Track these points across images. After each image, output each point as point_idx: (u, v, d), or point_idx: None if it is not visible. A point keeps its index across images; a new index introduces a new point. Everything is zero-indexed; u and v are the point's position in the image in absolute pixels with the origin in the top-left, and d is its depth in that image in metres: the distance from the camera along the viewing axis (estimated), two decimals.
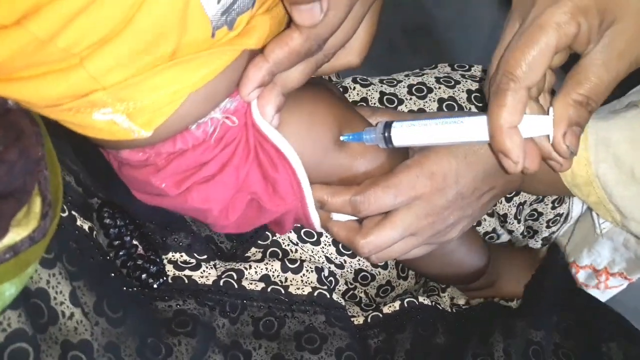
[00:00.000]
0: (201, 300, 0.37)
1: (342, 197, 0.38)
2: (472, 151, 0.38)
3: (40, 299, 0.28)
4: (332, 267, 0.46)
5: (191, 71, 0.28)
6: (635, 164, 0.37)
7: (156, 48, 0.26)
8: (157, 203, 0.36)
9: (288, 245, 0.45)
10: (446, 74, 0.53)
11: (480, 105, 0.50)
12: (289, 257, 0.44)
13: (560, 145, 0.31)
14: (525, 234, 0.55)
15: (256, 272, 0.41)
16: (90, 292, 0.30)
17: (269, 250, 0.44)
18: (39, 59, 0.23)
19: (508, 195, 0.51)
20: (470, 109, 0.50)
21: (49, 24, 0.22)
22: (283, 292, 0.40)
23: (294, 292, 0.41)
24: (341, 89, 0.52)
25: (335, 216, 0.40)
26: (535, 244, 0.56)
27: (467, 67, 0.55)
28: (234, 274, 0.40)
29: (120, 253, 0.36)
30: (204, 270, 0.39)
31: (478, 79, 0.53)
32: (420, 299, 0.45)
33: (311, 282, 0.42)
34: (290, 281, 0.42)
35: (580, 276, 0.56)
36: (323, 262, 0.45)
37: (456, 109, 0.50)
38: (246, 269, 0.41)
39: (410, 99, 0.50)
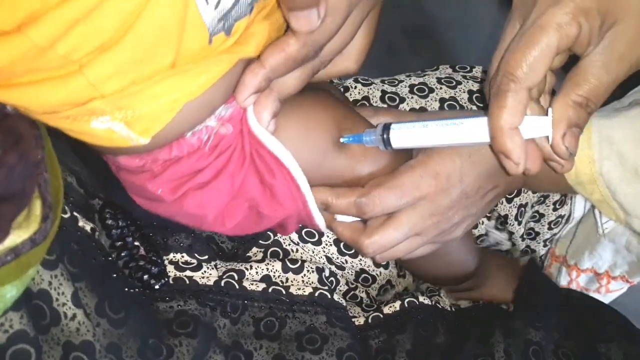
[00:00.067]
0: (202, 300, 0.37)
1: (347, 199, 0.38)
2: (476, 150, 0.38)
3: (42, 301, 0.28)
4: (333, 268, 0.46)
5: (190, 79, 0.28)
6: (639, 162, 0.37)
7: (156, 56, 0.26)
8: (154, 209, 0.36)
9: (289, 245, 0.45)
10: (447, 75, 0.53)
11: (482, 105, 0.50)
12: (290, 258, 0.44)
13: (560, 147, 0.31)
14: (525, 236, 0.55)
15: (257, 272, 0.41)
16: (92, 294, 0.31)
17: (270, 250, 0.44)
18: (38, 65, 0.23)
19: (509, 196, 0.51)
20: (471, 109, 0.50)
21: (49, 31, 0.22)
22: (284, 292, 0.40)
23: (295, 293, 0.41)
24: (342, 89, 0.52)
25: (340, 217, 0.40)
26: (537, 245, 0.56)
27: (469, 68, 0.55)
28: (234, 275, 0.40)
29: (123, 254, 0.36)
30: (205, 271, 0.40)
31: (479, 79, 0.53)
32: (421, 298, 0.45)
33: (312, 282, 0.42)
34: (291, 281, 0.42)
35: (581, 280, 0.56)
36: (324, 263, 0.45)
37: (457, 109, 0.50)
38: (247, 269, 0.41)
39: (412, 97, 0.50)
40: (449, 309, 0.46)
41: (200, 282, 0.39)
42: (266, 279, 0.41)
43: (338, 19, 0.30)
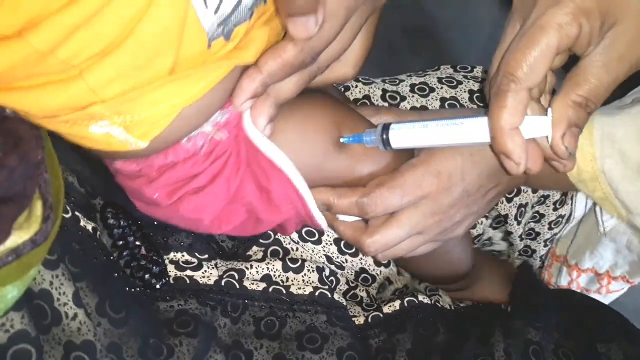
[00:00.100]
0: (202, 300, 0.37)
1: (348, 199, 0.38)
2: (477, 148, 0.38)
3: (44, 300, 0.28)
4: (333, 267, 0.46)
5: (189, 85, 0.28)
6: None
7: (155, 61, 0.26)
8: (152, 212, 0.36)
9: (289, 243, 0.45)
10: (448, 75, 0.53)
11: (482, 105, 0.50)
12: (290, 257, 0.44)
13: (559, 146, 0.31)
14: (525, 236, 0.55)
15: (257, 271, 0.41)
16: (93, 293, 0.31)
17: (270, 249, 0.45)
18: (39, 69, 0.23)
19: (508, 196, 0.51)
20: (472, 108, 0.50)
21: (49, 36, 0.22)
22: (284, 291, 0.41)
23: (295, 292, 0.41)
24: (342, 88, 0.52)
25: (342, 216, 0.40)
26: (537, 245, 0.56)
27: (470, 68, 0.55)
28: (235, 274, 0.40)
29: (124, 253, 0.36)
30: (205, 270, 0.40)
31: (480, 79, 0.53)
32: (420, 297, 0.45)
33: (312, 281, 0.42)
34: (292, 281, 0.42)
35: (582, 280, 0.56)
36: (324, 262, 0.46)
37: (458, 108, 0.50)
38: (247, 268, 0.41)
39: (413, 96, 0.50)
40: (448, 307, 0.46)
41: (200, 282, 0.39)
42: (266, 278, 0.41)
43: (336, 26, 0.30)
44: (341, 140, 0.37)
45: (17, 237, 0.25)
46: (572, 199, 0.52)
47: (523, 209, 0.52)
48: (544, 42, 0.30)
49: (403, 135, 0.36)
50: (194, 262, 0.40)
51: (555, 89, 0.36)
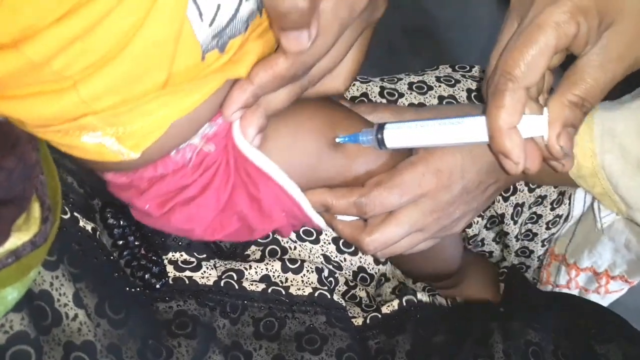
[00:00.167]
0: (202, 300, 0.38)
1: (347, 199, 0.38)
2: (477, 145, 0.38)
3: (44, 301, 0.28)
4: (331, 267, 0.46)
5: (182, 97, 0.28)
6: None
7: (149, 74, 0.26)
8: (145, 221, 0.36)
9: (287, 242, 0.45)
10: (447, 74, 0.53)
11: (480, 104, 0.50)
12: (289, 257, 0.44)
13: (554, 146, 0.31)
14: (522, 237, 0.55)
15: (256, 272, 0.41)
16: (92, 294, 0.31)
17: (269, 248, 0.45)
18: (33, 79, 0.23)
19: (505, 194, 0.51)
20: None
21: (45, 49, 0.22)
22: (283, 292, 0.41)
23: (294, 293, 0.41)
24: None
25: (340, 216, 0.40)
26: (535, 246, 0.56)
27: (468, 67, 0.55)
28: (234, 275, 0.40)
29: (125, 253, 0.36)
30: (204, 271, 0.40)
31: (478, 79, 0.53)
32: (419, 295, 0.45)
33: (312, 282, 0.42)
34: (291, 282, 0.42)
35: (580, 279, 0.56)
36: (322, 262, 0.46)
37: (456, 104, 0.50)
38: (246, 269, 0.41)
39: (411, 93, 0.50)
40: (445, 304, 0.46)
41: (199, 282, 0.39)
42: (266, 279, 0.41)
43: (329, 41, 0.30)
44: (337, 140, 0.37)
45: (17, 239, 0.25)
46: (569, 198, 0.52)
47: (519, 208, 0.52)
48: (542, 41, 0.30)
49: (398, 135, 0.36)
50: (192, 263, 0.40)
51: (553, 88, 0.36)
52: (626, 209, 0.40)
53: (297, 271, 0.42)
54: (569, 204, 0.52)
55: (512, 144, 0.31)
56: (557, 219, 0.53)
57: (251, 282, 0.40)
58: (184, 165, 0.33)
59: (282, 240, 0.45)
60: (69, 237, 0.31)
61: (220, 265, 0.41)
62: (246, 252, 0.44)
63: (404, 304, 0.44)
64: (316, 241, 0.46)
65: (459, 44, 1.15)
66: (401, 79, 0.52)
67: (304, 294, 0.41)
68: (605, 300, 0.57)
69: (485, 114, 0.33)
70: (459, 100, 0.50)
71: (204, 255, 0.41)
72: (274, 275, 0.42)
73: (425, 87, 0.51)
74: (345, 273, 0.47)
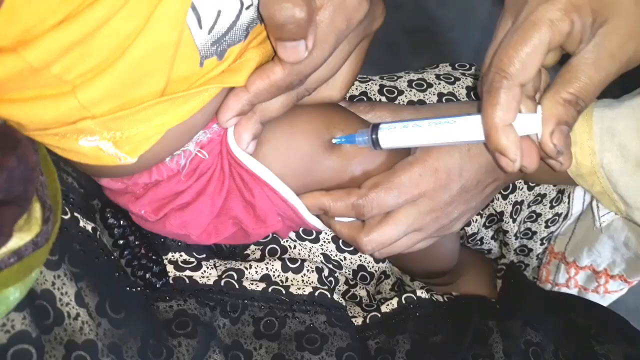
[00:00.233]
0: (202, 300, 0.38)
1: (344, 202, 0.38)
2: (474, 143, 0.38)
3: (46, 301, 0.28)
4: (331, 266, 0.46)
5: (180, 104, 0.28)
6: None
7: (148, 79, 0.26)
8: (143, 226, 0.37)
9: (287, 241, 0.45)
10: (447, 72, 0.54)
11: (479, 101, 0.50)
12: (288, 256, 0.44)
13: (548, 144, 0.31)
14: (521, 235, 0.55)
15: (257, 271, 0.42)
16: (93, 293, 0.31)
17: (268, 247, 0.45)
18: (32, 83, 0.23)
19: (504, 192, 0.51)
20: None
21: (44, 54, 0.22)
22: (284, 292, 0.41)
23: (294, 292, 0.41)
24: None
25: (338, 217, 0.40)
26: (534, 244, 0.56)
27: (468, 66, 0.55)
28: (234, 274, 0.41)
29: (125, 252, 0.36)
30: (204, 271, 0.40)
31: (478, 77, 0.53)
32: (418, 292, 0.45)
33: (312, 282, 0.43)
34: (291, 281, 0.42)
35: (580, 278, 0.56)
36: (321, 260, 0.46)
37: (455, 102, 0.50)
38: (246, 268, 0.41)
39: (410, 90, 0.50)
40: (442, 300, 0.46)
41: (200, 282, 0.39)
42: (266, 278, 0.42)
43: (325, 51, 0.31)
44: (333, 141, 0.37)
45: (19, 239, 0.25)
46: (569, 196, 0.52)
47: (519, 206, 0.52)
48: (536, 38, 0.30)
49: (393, 135, 0.36)
50: (192, 262, 0.40)
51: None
52: (625, 208, 0.40)
53: (297, 271, 0.43)
54: (569, 202, 0.52)
55: (507, 142, 0.31)
56: (557, 217, 0.53)
57: (251, 282, 0.41)
58: (179, 171, 0.33)
59: (282, 240, 0.45)
60: (70, 237, 0.32)
61: (220, 265, 0.41)
62: (246, 252, 0.45)
63: (404, 301, 0.44)
64: (316, 240, 0.46)
65: (459, 44, 1.15)
66: (400, 77, 0.52)
67: (304, 293, 0.41)
68: (604, 300, 0.56)
69: (480, 112, 0.33)
70: (459, 98, 0.50)
71: (204, 255, 0.41)
72: (274, 275, 0.42)
73: (425, 84, 0.51)
74: (345, 272, 0.47)
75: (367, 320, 0.43)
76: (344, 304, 0.42)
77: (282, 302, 0.40)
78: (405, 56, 1.15)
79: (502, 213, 0.51)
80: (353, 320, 0.43)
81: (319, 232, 0.46)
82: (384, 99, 0.50)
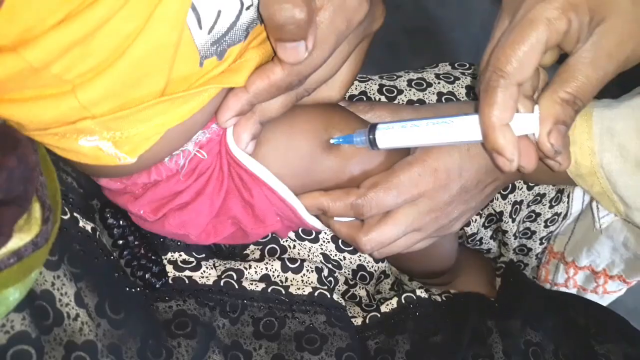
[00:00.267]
0: (201, 300, 0.38)
1: (343, 202, 0.38)
2: (473, 143, 0.38)
3: (46, 301, 0.28)
4: (331, 266, 0.46)
5: (180, 105, 0.28)
6: None
7: (148, 79, 0.26)
8: (142, 226, 0.37)
9: (286, 241, 0.45)
10: (446, 72, 0.54)
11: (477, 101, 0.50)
12: (288, 256, 0.45)
13: (545, 144, 0.31)
14: (521, 235, 0.55)
15: (256, 272, 0.42)
16: (93, 294, 0.31)
17: (268, 247, 0.45)
18: (32, 83, 0.24)
19: (503, 192, 0.51)
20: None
21: (44, 54, 0.22)
22: (283, 292, 0.41)
23: (294, 292, 0.41)
24: None
25: (337, 217, 0.40)
26: (533, 244, 0.56)
27: (467, 65, 0.55)
28: (234, 274, 0.41)
29: (125, 252, 0.36)
30: (204, 271, 0.40)
31: (477, 76, 0.53)
32: (418, 292, 0.45)
33: (311, 282, 0.43)
34: (291, 281, 0.42)
35: (579, 278, 0.56)
36: (321, 260, 0.46)
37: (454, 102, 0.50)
38: (246, 268, 0.41)
39: (410, 90, 0.50)
40: (439, 300, 0.46)
41: (199, 282, 0.39)
42: (265, 278, 0.42)
43: (325, 52, 0.31)
44: (331, 141, 0.37)
45: (19, 240, 0.25)
46: (568, 196, 0.52)
47: (518, 206, 0.52)
48: (533, 37, 0.30)
49: (390, 135, 0.36)
50: (192, 262, 0.40)
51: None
52: (624, 209, 0.40)
53: (297, 271, 0.43)
54: (568, 201, 0.52)
55: (505, 141, 0.31)
56: (556, 217, 0.53)
57: (251, 282, 0.41)
58: (178, 171, 0.33)
59: (281, 240, 0.45)
60: (69, 238, 0.32)
61: (220, 265, 0.41)
62: (245, 252, 0.45)
63: (403, 301, 0.44)
64: (315, 240, 0.46)
65: (459, 44, 1.15)
66: (400, 76, 0.52)
67: (304, 293, 0.41)
68: (603, 301, 0.56)
69: (477, 112, 0.33)
70: (458, 97, 0.50)
71: (203, 255, 0.41)
72: (273, 275, 0.42)
73: (425, 83, 0.51)
74: (345, 272, 0.47)
75: (367, 320, 0.43)
76: (343, 304, 0.42)
77: (281, 302, 0.40)
78: (405, 56, 1.15)
79: (501, 213, 0.51)
80: (353, 320, 0.43)
81: (318, 232, 0.46)
82: (383, 98, 0.50)
